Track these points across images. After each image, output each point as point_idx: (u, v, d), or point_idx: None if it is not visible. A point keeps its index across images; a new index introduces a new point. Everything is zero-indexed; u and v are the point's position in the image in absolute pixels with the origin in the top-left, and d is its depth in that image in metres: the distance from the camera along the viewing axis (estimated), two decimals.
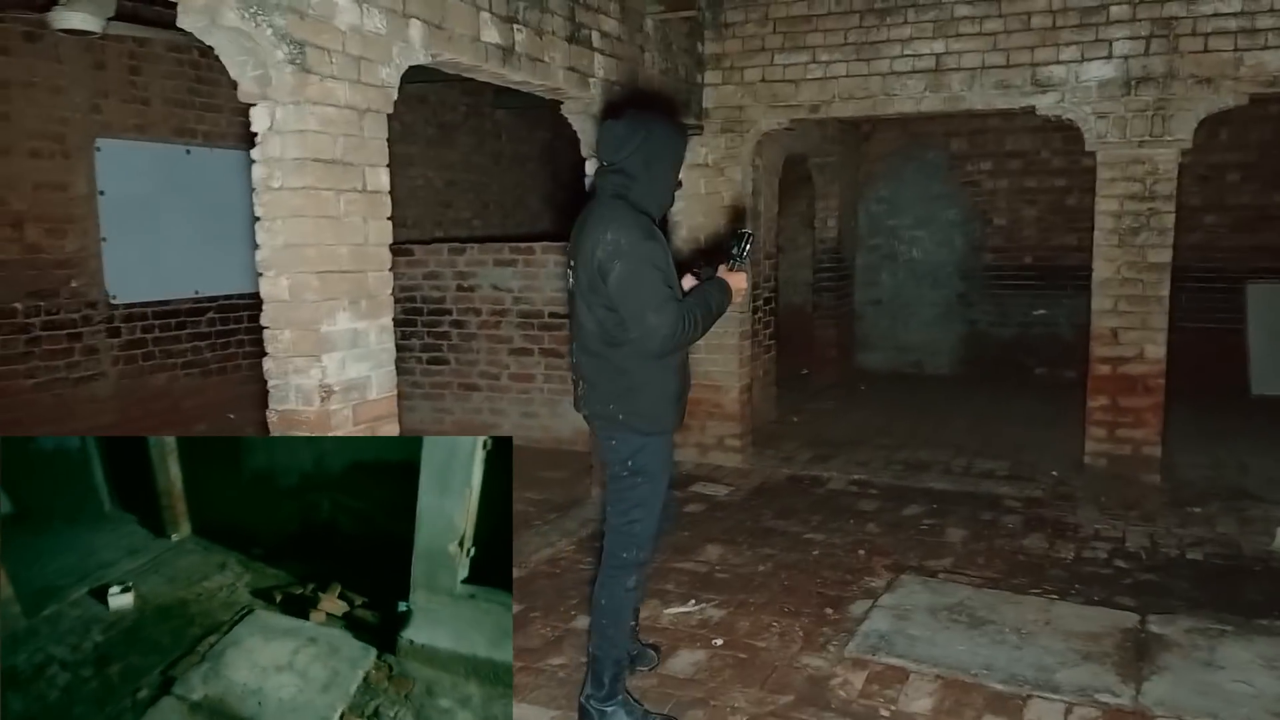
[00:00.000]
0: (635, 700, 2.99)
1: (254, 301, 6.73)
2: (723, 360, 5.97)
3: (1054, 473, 5.78)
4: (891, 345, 9.88)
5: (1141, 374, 5.13)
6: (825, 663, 3.35)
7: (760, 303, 6.79)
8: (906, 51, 5.40)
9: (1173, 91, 4.90)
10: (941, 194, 9.60)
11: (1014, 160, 9.37)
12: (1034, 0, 5.12)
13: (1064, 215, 9.20)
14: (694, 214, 5.95)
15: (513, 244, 6.73)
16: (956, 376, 9.50)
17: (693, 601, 3.88)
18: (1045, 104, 5.17)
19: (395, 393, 3.32)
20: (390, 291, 3.30)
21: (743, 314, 5.99)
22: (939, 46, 5.33)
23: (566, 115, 4.84)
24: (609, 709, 2.88)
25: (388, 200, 3.26)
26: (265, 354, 3.05)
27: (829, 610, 3.80)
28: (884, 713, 3.01)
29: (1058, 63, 5.11)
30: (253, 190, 2.98)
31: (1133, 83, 4.97)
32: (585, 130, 4.91)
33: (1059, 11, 5.08)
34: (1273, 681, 3.09)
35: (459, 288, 6.79)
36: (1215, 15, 4.78)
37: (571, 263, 2.85)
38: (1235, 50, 4.75)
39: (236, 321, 6.61)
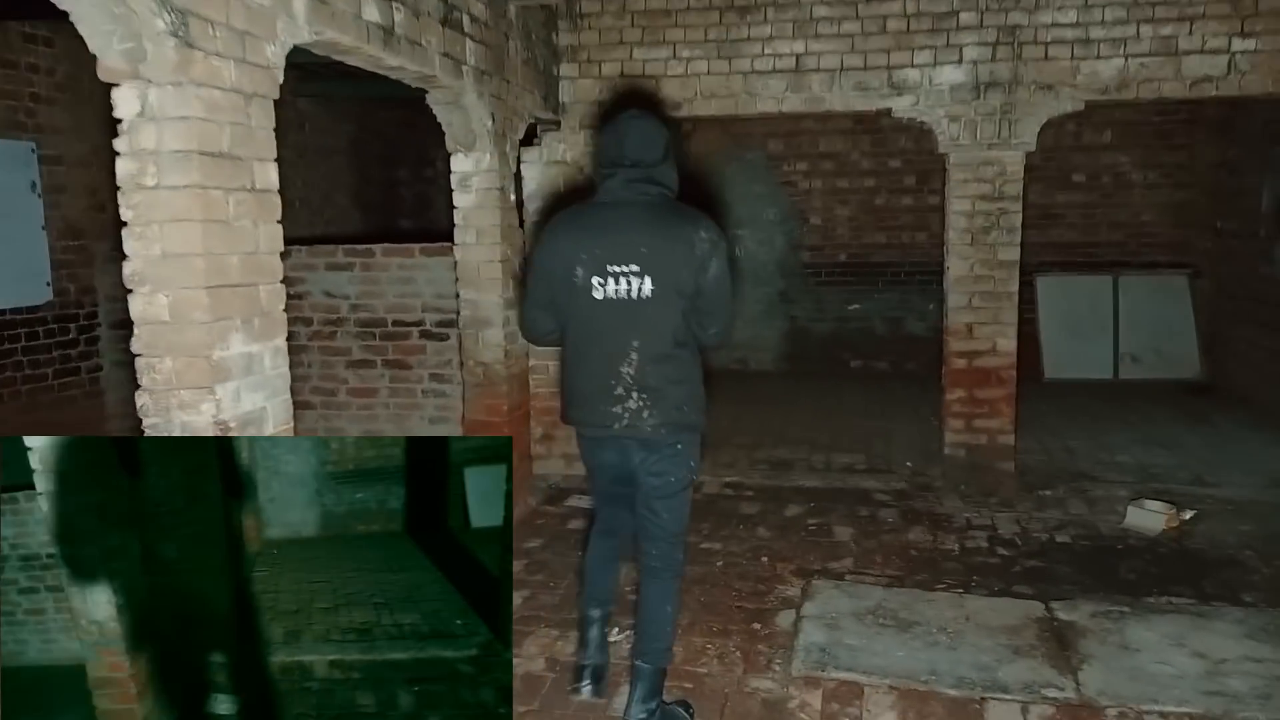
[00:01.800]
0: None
1: (32, 317, 5.78)
2: None
3: (908, 464, 5.99)
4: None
5: (995, 366, 5.39)
6: (775, 684, 3.21)
7: None
8: (767, 51, 5.38)
9: (1018, 96, 5.17)
10: (761, 194, 9.81)
11: (827, 161, 9.73)
12: (889, 4, 5.24)
13: (874, 215, 9.67)
14: (553, 214, 5.65)
15: (347, 246, 6.13)
16: (781, 372, 9.75)
17: (616, 629, 3.62)
18: (901, 106, 5.31)
19: (292, 424, 2.84)
20: (283, 307, 2.83)
21: None
22: (799, 47, 5.35)
23: (432, 105, 4.43)
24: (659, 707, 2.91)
25: (278, 200, 2.80)
26: (138, 386, 2.50)
27: (756, 625, 3.67)
28: None
29: (912, 66, 5.26)
30: (117, 189, 2.42)
31: (982, 87, 5.20)
32: (452, 123, 4.52)
33: (913, 16, 5.22)
34: (1189, 660, 3.27)
35: (285, 295, 6.11)
36: (1054, 25, 5.07)
37: (618, 267, 2.69)
38: (1073, 59, 5.07)
39: (13, 340, 5.60)
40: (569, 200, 5.64)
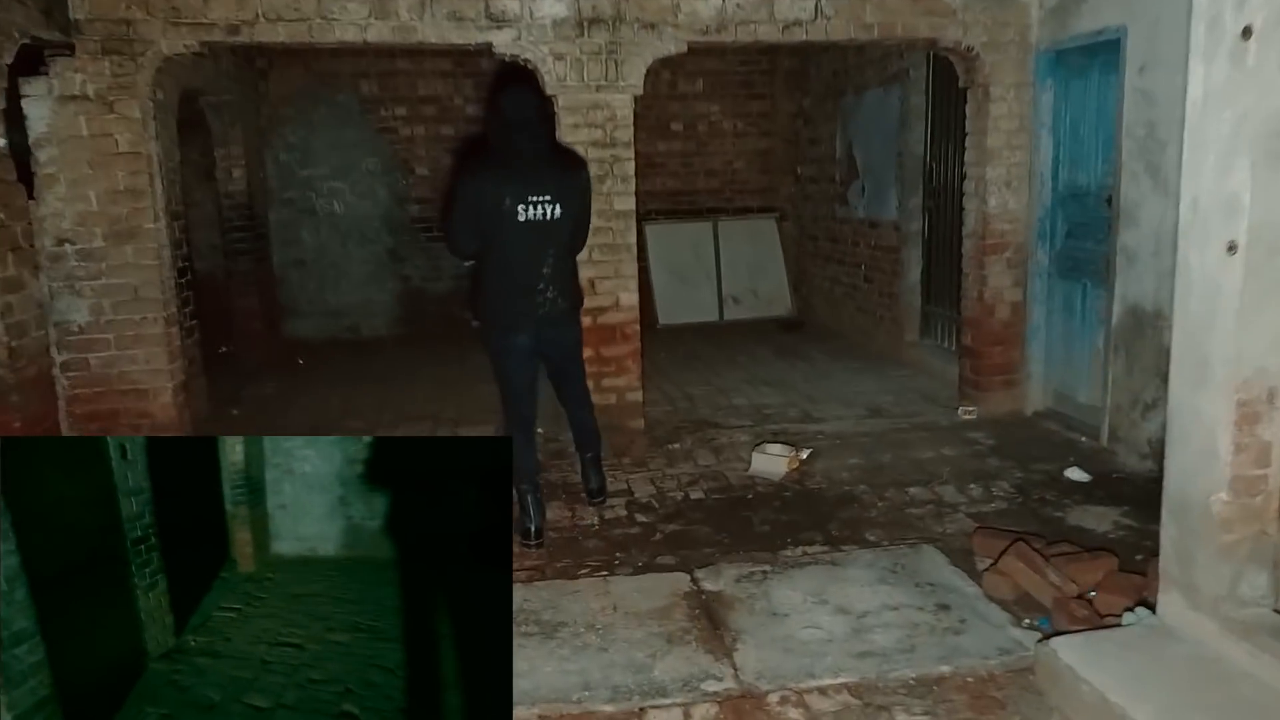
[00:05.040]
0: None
1: None
2: (144, 355, 4.62)
3: (540, 430, 5.60)
4: (322, 310, 8.96)
5: (619, 322, 5.14)
6: None
7: (175, 274, 5.42)
8: None
9: (622, 35, 4.86)
10: (357, 141, 8.86)
11: (428, 106, 9.02)
12: None
13: None
14: (78, 164, 4.42)
15: None
16: (397, 337, 8.99)
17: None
18: (502, 41, 4.78)
19: None
20: None
21: (166, 295, 4.68)
22: None
23: None
24: None
25: None
26: None
27: None
28: None
29: None
30: None
31: (585, 24, 4.82)
32: None
33: None
34: (834, 619, 3.17)
35: None
36: None
37: (536, 198, 3.72)
38: None
39: None
40: (97, 147, 4.46)
